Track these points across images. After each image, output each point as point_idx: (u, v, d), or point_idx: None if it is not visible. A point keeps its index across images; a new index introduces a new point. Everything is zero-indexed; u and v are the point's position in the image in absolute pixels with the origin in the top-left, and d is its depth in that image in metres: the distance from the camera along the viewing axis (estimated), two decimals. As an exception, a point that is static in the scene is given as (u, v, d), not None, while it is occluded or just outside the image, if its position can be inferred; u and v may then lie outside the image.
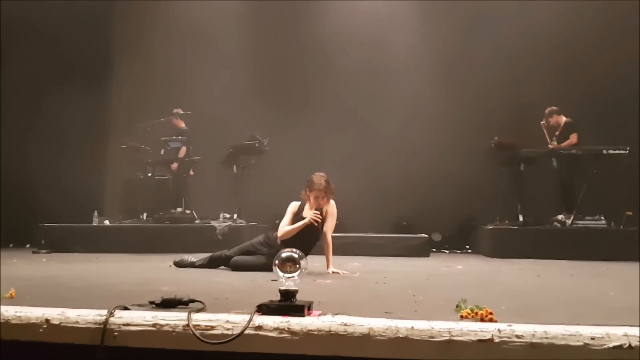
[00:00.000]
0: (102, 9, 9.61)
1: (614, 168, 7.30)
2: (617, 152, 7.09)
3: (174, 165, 8.44)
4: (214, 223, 7.63)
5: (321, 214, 4.64)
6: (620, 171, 7.48)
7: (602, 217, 7.20)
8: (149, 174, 8.50)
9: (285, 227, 4.68)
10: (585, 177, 7.20)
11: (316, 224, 4.60)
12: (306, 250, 4.53)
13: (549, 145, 7.68)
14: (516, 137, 7.86)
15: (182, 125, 8.72)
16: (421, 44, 9.46)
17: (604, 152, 7.11)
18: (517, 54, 8.76)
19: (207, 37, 9.81)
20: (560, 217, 7.36)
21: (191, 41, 9.84)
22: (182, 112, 8.72)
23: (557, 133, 7.76)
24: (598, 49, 8.66)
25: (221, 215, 8.03)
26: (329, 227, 4.74)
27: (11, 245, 8.14)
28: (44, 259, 6.16)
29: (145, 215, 8.18)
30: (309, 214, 4.62)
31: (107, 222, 8.02)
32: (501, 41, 8.85)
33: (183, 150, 8.52)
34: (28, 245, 7.98)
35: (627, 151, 7.07)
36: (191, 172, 8.60)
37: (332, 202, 4.76)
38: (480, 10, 9.22)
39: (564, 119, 7.74)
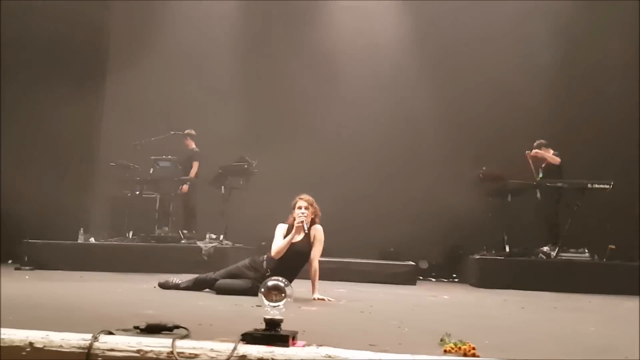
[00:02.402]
0: (96, 24, 9.63)
1: (599, 202, 7.39)
2: (601, 186, 7.19)
3: (185, 188, 8.45)
4: (199, 244, 7.60)
5: (309, 232, 4.66)
6: (604, 205, 7.58)
7: (586, 250, 7.27)
8: (137, 192, 8.47)
9: (276, 244, 4.70)
10: (570, 210, 7.28)
11: (305, 232, 4.61)
12: (293, 275, 4.55)
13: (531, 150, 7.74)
14: (504, 168, 7.96)
15: (193, 145, 8.78)
16: (412, 73, 9.58)
17: (589, 186, 7.21)
18: (506, 86, 8.89)
19: (199, 58, 9.89)
20: (545, 248, 7.41)
21: (183, 61, 9.89)
22: (194, 132, 8.77)
23: (543, 165, 7.86)
24: (586, 85, 8.85)
25: (207, 236, 8.00)
26: (316, 253, 4.74)
27: (-7, 260, 8.01)
28: (27, 276, 6.08)
29: (131, 234, 8.12)
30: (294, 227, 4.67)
31: (92, 240, 7.96)
32: (491, 73, 9.01)
33: (195, 169, 8.55)
34: (10, 261, 7.84)
35: (611, 186, 7.17)
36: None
37: (319, 227, 4.78)
38: (470, 42, 9.38)
39: (551, 152, 7.84)
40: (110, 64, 10.12)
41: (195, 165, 8.61)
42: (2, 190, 8.18)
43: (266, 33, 10.00)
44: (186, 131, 8.73)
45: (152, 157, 8.48)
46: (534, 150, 7.75)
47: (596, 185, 7.19)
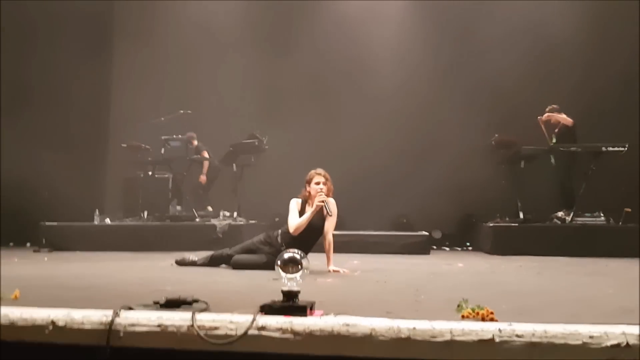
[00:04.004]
0: (103, 7, 9.60)
1: (613, 165, 7.32)
2: (616, 149, 7.09)
3: (203, 179, 8.77)
4: (214, 221, 7.65)
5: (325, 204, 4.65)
6: (619, 168, 7.51)
7: (601, 214, 7.21)
8: (149, 173, 8.52)
9: (295, 220, 4.68)
10: (585, 174, 7.21)
11: (325, 211, 4.59)
12: (308, 248, 4.56)
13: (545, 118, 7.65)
14: (516, 134, 7.88)
15: (196, 143, 8.88)
16: (422, 42, 9.47)
17: (603, 149, 7.12)
18: (518, 51, 8.76)
19: (208, 36, 9.80)
20: (559, 214, 7.37)
21: (192, 39, 9.81)
22: (193, 134, 8.77)
23: (556, 130, 7.77)
24: (597, 47, 8.71)
25: (221, 214, 8.06)
26: (330, 226, 4.74)
27: (11, 244, 8.12)
28: (45, 258, 6.17)
29: (145, 213, 8.20)
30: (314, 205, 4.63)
31: (108, 221, 8.04)
32: (501, 39, 8.87)
33: (205, 153, 8.72)
34: (29, 244, 7.97)
35: (626, 148, 7.08)
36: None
37: (332, 201, 4.77)
38: (480, 9, 9.23)
39: (564, 116, 7.74)
40: (119, 45, 10.07)
41: (204, 154, 8.73)
42: (16, 174, 8.26)
43: (279, 6, 9.87)
44: (187, 134, 8.71)
45: (162, 137, 8.49)
46: (546, 114, 7.66)
47: (610, 148, 7.10)
